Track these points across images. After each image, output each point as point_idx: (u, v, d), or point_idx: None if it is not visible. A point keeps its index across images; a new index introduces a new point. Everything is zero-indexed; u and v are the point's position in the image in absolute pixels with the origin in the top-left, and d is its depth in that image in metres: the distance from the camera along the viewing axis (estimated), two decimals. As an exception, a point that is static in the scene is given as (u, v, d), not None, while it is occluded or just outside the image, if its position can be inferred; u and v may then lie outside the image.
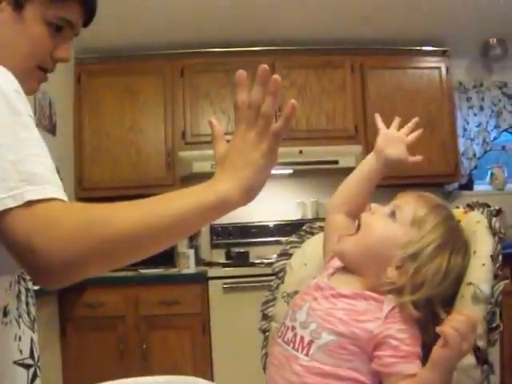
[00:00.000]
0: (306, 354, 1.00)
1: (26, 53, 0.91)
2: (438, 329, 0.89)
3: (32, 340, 0.95)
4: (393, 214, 1.10)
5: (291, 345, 1.04)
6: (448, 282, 1.02)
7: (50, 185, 0.72)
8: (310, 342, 1.01)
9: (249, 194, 0.81)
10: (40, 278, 0.71)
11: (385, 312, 0.99)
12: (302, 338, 1.03)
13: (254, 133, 0.81)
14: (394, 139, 1.31)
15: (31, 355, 0.94)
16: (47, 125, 3.06)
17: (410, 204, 1.10)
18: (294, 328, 1.06)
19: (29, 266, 0.70)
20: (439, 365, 0.89)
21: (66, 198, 0.74)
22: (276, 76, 0.80)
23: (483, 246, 1.04)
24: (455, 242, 1.06)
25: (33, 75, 0.94)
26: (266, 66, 0.81)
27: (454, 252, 1.04)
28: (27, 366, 0.93)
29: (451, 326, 0.87)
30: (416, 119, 1.40)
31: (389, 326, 0.98)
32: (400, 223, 1.08)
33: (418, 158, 1.32)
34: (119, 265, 0.77)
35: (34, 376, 0.94)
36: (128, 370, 2.85)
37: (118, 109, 3.57)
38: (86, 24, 1.00)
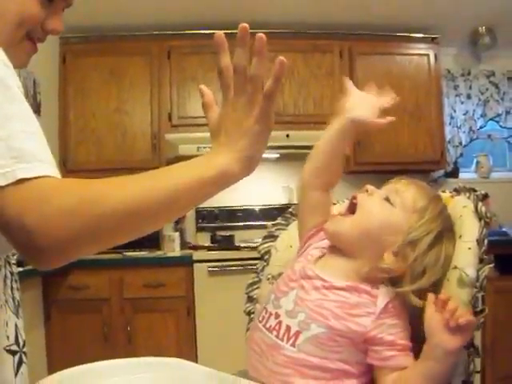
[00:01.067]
0: (293, 345, 0.99)
1: (15, 20, 0.86)
2: (463, 320, 0.88)
3: (16, 326, 0.94)
4: (388, 199, 1.08)
5: (274, 333, 1.02)
6: (444, 270, 1.03)
7: (41, 162, 0.69)
8: (297, 333, 0.99)
9: (249, 164, 0.79)
10: (34, 258, 0.68)
11: (379, 307, 0.99)
12: (288, 327, 1.01)
13: (244, 99, 0.78)
14: (365, 101, 1.24)
15: (16, 341, 0.93)
16: (31, 104, 2.99)
17: (410, 191, 1.09)
18: (278, 315, 1.04)
19: (22, 245, 0.67)
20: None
21: (58, 175, 0.70)
22: (261, 34, 0.75)
23: (469, 231, 1.04)
24: (449, 231, 1.07)
25: (21, 46, 0.90)
26: (245, 24, 0.75)
27: (448, 241, 1.05)
28: (13, 352, 0.91)
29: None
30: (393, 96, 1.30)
31: (382, 321, 0.98)
32: (400, 209, 1.07)
33: (389, 119, 1.23)
34: (117, 242, 0.73)
35: (20, 362, 0.93)
36: (112, 353, 2.84)
37: (104, 89, 3.53)
38: None
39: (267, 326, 1.04)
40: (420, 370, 0.93)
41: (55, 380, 0.87)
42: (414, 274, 1.00)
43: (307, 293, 1.03)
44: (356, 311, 0.99)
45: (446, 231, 1.06)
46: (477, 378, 3.12)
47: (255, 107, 0.77)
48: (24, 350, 0.95)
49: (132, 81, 3.55)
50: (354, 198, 1.11)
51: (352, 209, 1.11)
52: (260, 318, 1.08)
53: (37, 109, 3.10)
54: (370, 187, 1.11)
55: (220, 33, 0.78)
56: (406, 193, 1.09)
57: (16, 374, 0.92)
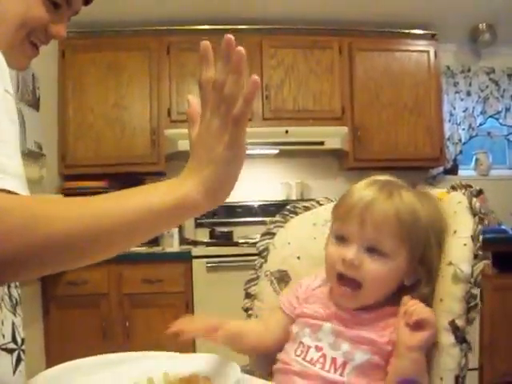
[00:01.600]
0: (341, 375, 1.01)
1: (16, 21, 0.86)
2: (416, 317, 0.94)
3: (14, 324, 0.93)
4: (371, 249, 1.03)
5: (318, 365, 1.03)
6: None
7: (3, 173, 0.66)
8: (345, 363, 1.01)
9: (214, 195, 0.72)
10: None
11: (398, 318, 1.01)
12: (333, 359, 1.03)
13: (218, 120, 0.70)
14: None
15: (13, 339, 0.92)
16: (30, 100, 3.01)
17: (386, 233, 1.03)
18: (320, 348, 1.05)
19: None
20: (423, 347, 0.95)
21: (20, 189, 0.68)
22: (240, 48, 0.67)
23: (464, 226, 1.04)
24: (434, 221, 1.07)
25: (22, 49, 0.89)
26: (231, 36, 0.68)
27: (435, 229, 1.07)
28: (10, 351, 0.91)
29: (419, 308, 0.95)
30: None
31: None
32: (393, 259, 1.03)
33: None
34: (61, 267, 0.68)
35: (18, 360, 0.93)
36: (111, 348, 2.84)
37: (103, 85, 3.52)
38: (86, 2, 0.97)
39: (307, 359, 1.05)
40: (391, 369, 0.98)
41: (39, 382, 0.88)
42: (427, 276, 1.05)
43: (343, 325, 1.05)
44: (387, 331, 1.02)
45: (433, 223, 1.06)
46: (475, 376, 3.13)
47: (226, 131, 0.70)
48: (23, 347, 0.95)
49: (131, 76, 3.54)
50: (341, 275, 1.05)
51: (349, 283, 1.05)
52: (298, 353, 1.08)
53: (36, 104, 3.10)
54: (348, 259, 1.02)
55: (206, 42, 0.70)
56: (385, 239, 1.03)
57: (14, 372, 0.92)
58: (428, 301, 1.03)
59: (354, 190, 1.09)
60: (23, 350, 0.94)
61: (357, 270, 1.02)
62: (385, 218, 1.02)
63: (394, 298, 1.08)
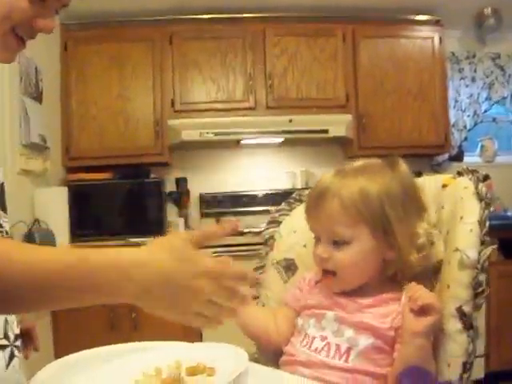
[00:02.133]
0: (346, 361, 1.02)
1: (0, 13, 0.82)
2: (420, 302, 0.95)
3: (6, 321, 0.93)
4: (336, 241, 1.07)
5: (323, 353, 1.05)
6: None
7: None
8: (349, 349, 1.03)
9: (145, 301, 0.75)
10: None
11: (403, 305, 1.02)
12: (337, 346, 1.04)
13: (218, 292, 0.75)
14: None
15: (5, 336, 0.92)
16: (33, 92, 3.01)
17: (338, 223, 1.06)
18: (324, 338, 1.06)
19: None
20: (428, 333, 0.96)
21: None
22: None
23: (470, 212, 1.04)
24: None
25: (6, 42, 0.85)
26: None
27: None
28: (2, 347, 0.91)
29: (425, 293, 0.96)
30: None
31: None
32: (356, 242, 1.06)
33: None
34: None
35: (11, 356, 0.93)
36: (118, 339, 2.85)
37: (106, 76, 3.51)
38: None
39: (312, 348, 1.07)
40: (397, 355, 0.99)
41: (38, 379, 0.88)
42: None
43: (345, 312, 1.07)
44: (389, 318, 1.03)
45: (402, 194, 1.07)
46: (481, 363, 3.12)
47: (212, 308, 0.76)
48: (16, 343, 0.95)
49: (134, 67, 3.53)
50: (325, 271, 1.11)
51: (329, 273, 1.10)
52: (304, 344, 1.09)
53: (39, 97, 3.10)
54: (319, 256, 1.09)
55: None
56: (358, 235, 1.06)
57: (7, 367, 0.92)
58: (428, 280, 1.06)
59: (313, 187, 1.16)
60: (16, 346, 0.94)
61: (328, 262, 1.08)
62: (331, 210, 1.06)
63: (392, 284, 1.09)
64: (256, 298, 1.32)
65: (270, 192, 3.81)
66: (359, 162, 1.14)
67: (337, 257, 1.06)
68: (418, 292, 0.97)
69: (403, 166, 1.11)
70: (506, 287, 3.14)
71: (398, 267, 1.08)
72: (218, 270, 0.75)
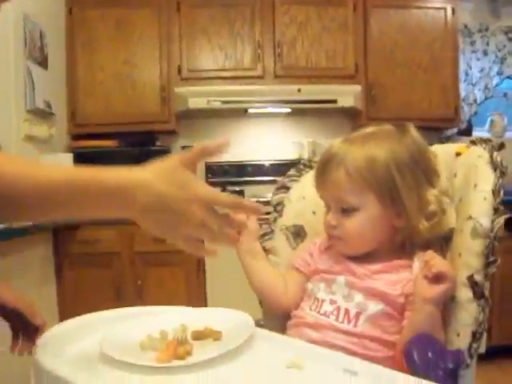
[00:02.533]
0: (355, 326, 1.01)
1: None
2: (435, 270, 0.93)
3: None
4: (344, 209, 1.07)
5: (332, 317, 1.04)
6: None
7: None
8: (358, 314, 1.02)
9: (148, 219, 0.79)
10: None
11: (415, 273, 1.02)
12: (346, 310, 1.03)
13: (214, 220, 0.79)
14: None
15: None
16: (38, 57, 2.97)
17: (344, 190, 1.06)
18: (333, 301, 1.06)
19: None
20: (440, 301, 0.95)
21: None
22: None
23: (484, 180, 1.02)
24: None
25: None
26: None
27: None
28: None
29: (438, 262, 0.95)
30: None
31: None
32: (364, 209, 1.05)
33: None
34: None
35: None
36: (123, 306, 2.88)
37: (112, 42, 3.47)
38: None
39: (321, 312, 1.06)
40: (406, 322, 0.99)
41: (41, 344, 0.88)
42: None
43: (355, 277, 1.06)
44: (399, 285, 1.02)
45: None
46: (483, 337, 3.13)
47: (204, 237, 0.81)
48: None
49: (141, 33, 3.48)
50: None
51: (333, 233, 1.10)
52: (313, 308, 1.09)
53: (44, 62, 3.06)
54: (328, 224, 1.10)
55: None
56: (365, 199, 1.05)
57: None
58: (440, 249, 1.06)
59: (321, 155, 1.15)
60: None
61: (336, 229, 1.08)
62: (337, 178, 1.05)
63: (403, 252, 1.09)
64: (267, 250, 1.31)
65: (276, 162, 3.80)
66: (369, 129, 1.12)
67: (345, 224, 1.06)
68: (433, 260, 0.95)
69: (413, 132, 1.09)
70: (509, 263, 3.12)
71: (407, 235, 1.07)
72: (209, 197, 0.79)
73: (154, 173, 0.77)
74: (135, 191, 0.76)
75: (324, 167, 1.09)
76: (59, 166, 0.78)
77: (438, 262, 0.95)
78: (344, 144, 1.08)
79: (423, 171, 1.06)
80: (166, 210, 0.77)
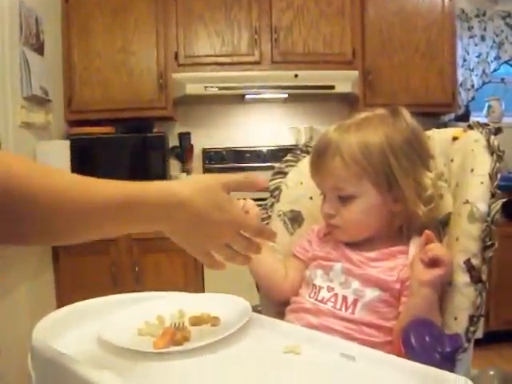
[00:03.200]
0: (352, 313, 1.02)
1: None
2: (431, 253, 0.94)
3: None
4: (341, 197, 1.07)
5: (330, 304, 1.05)
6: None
7: None
8: (355, 301, 1.02)
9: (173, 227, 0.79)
10: None
11: (410, 258, 1.02)
12: (344, 297, 1.04)
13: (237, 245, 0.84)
14: None
15: None
16: (34, 44, 2.94)
17: (340, 178, 1.06)
18: (331, 289, 1.06)
19: None
20: (436, 284, 0.95)
21: None
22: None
23: (481, 165, 1.02)
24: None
25: None
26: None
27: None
28: None
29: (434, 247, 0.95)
30: None
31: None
32: (361, 196, 1.05)
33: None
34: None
35: None
36: (120, 293, 2.88)
37: (109, 28, 3.43)
38: None
39: (319, 298, 1.07)
40: (403, 307, 0.99)
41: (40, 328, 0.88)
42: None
43: (352, 264, 1.06)
44: (395, 272, 1.02)
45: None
46: (480, 322, 3.15)
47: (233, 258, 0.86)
48: None
49: (137, 19, 3.45)
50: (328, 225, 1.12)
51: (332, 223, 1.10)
52: (312, 295, 1.09)
53: (40, 48, 3.03)
54: (326, 213, 1.10)
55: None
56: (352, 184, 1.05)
57: None
58: (437, 234, 1.06)
59: (315, 143, 1.15)
60: None
61: (333, 218, 1.09)
62: (333, 166, 1.05)
63: (400, 237, 1.09)
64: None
65: (273, 148, 3.79)
66: (362, 114, 1.11)
67: (343, 213, 1.07)
68: (430, 245, 0.95)
69: (406, 115, 1.09)
70: (506, 248, 3.14)
71: (405, 219, 1.08)
72: (243, 222, 0.83)
73: (194, 191, 0.78)
74: (175, 209, 0.76)
75: (319, 156, 1.09)
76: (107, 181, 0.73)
77: (434, 246, 0.95)
78: (338, 132, 1.07)
79: (418, 154, 1.06)
80: (199, 228, 0.80)
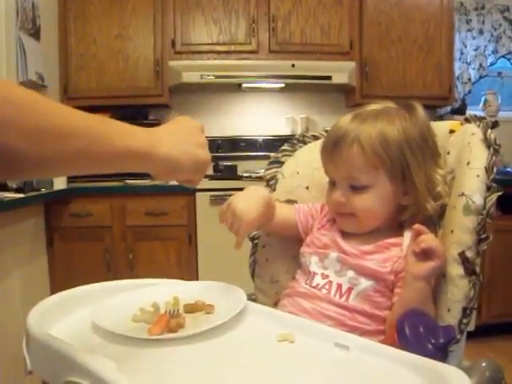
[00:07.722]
0: (346, 301, 1.03)
1: None
2: (423, 245, 0.94)
3: None
4: (354, 186, 1.07)
5: (324, 291, 1.05)
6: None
7: None
8: (350, 289, 1.03)
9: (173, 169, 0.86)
10: None
11: (404, 250, 1.02)
12: (338, 285, 1.05)
13: None
14: None
15: None
16: (30, 29, 2.92)
17: (356, 167, 1.05)
18: (326, 276, 1.07)
19: None
20: (429, 277, 0.96)
21: None
22: None
23: (477, 158, 1.02)
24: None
25: None
26: None
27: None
28: None
29: (427, 239, 0.94)
30: None
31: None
32: (374, 186, 1.06)
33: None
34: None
35: None
36: (114, 280, 2.88)
37: (105, 14, 3.41)
38: None
39: (313, 284, 1.08)
40: (397, 299, 1.00)
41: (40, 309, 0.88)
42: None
43: (347, 255, 1.07)
44: (389, 263, 1.03)
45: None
46: (472, 315, 3.17)
47: None
48: None
49: (134, 6, 3.43)
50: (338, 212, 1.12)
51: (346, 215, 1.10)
52: (307, 281, 1.10)
53: (36, 34, 3.01)
54: (337, 201, 1.10)
55: None
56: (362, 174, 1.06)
57: None
58: (433, 226, 1.07)
59: (330, 131, 1.13)
60: None
61: (345, 206, 1.08)
62: (350, 155, 1.05)
63: (399, 229, 1.09)
64: (255, 239, 1.31)
65: (269, 137, 3.79)
66: (376, 106, 1.11)
67: (354, 201, 1.07)
68: (422, 236, 0.95)
69: (421, 111, 1.10)
70: (500, 242, 3.16)
71: (411, 213, 1.08)
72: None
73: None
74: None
75: (335, 145, 1.07)
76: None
77: (426, 237, 0.95)
78: (355, 122, 1.07)
79: (430, 150, 1.08)
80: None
